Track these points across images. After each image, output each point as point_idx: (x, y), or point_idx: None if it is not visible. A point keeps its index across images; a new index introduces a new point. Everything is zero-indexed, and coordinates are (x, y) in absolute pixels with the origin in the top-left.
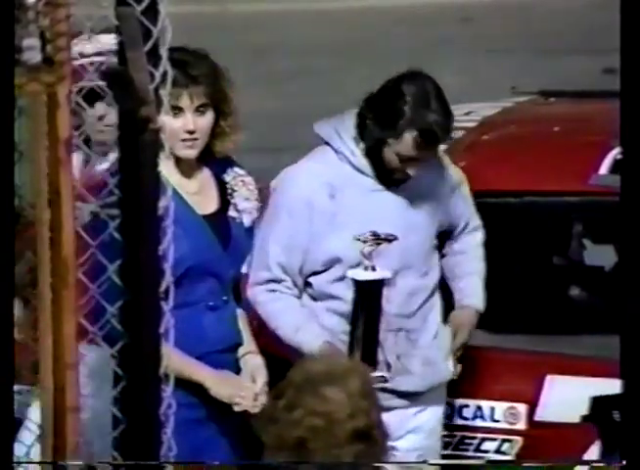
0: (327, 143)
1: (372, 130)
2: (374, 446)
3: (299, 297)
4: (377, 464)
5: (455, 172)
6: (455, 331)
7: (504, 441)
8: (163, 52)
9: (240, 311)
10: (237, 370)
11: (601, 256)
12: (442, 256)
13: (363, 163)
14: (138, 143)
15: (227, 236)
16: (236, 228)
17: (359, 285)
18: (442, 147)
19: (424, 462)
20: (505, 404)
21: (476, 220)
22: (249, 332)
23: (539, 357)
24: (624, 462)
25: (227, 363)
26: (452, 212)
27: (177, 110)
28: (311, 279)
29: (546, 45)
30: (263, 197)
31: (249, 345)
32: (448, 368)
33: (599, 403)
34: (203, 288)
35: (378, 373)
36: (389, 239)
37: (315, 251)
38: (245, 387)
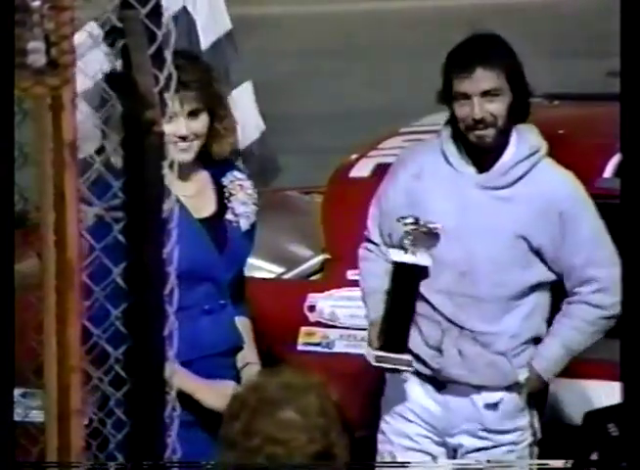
0: None
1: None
2: (334, 462)
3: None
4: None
5: (573, 201)
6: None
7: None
8: (168, 55)
9: (244, 320)
10: (234, 374)
11: None
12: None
13: (449, 147)
14: (142, 146)
15: (223, 240)
16: (233, 232)
17: (397, 266)
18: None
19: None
20: None
21: (600, 293)
22: (252, 341)
23: None
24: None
25: (222, 367)
26: (557, 248)
27: (171, 114)
28: None
29: (550, 48)
30: (263, 200)
31: (249, 355)
32: (515, 374)
33: (593, 418)
34: (198, 292)
35: (404, 356)
36: (432, 230)
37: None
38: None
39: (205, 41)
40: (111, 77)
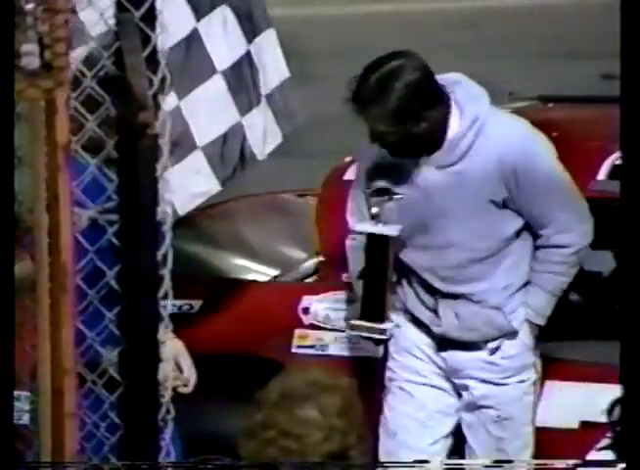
0: None
1: None
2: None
3: None
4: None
5: (522, 154)
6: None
7: None
8: (162, 58)
9: None
10: None
11: (599, 261)
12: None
13: None
14: (136, 149)
15: None
16: None
17: (368, 237)
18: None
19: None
20: None
21: (561, 233)
22: None
23: None
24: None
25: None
26: (515, 198)
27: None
28: None
29: (545, 50)
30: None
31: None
32: (510, 325)
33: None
34: None
35: (383, 325)
36: (395, 200)
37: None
38: (172, 377)
39: None
40: (105, 80)
